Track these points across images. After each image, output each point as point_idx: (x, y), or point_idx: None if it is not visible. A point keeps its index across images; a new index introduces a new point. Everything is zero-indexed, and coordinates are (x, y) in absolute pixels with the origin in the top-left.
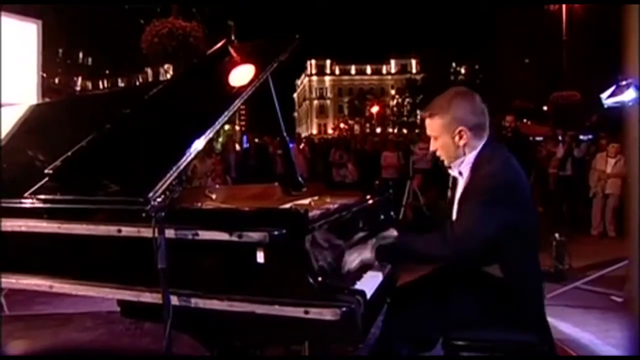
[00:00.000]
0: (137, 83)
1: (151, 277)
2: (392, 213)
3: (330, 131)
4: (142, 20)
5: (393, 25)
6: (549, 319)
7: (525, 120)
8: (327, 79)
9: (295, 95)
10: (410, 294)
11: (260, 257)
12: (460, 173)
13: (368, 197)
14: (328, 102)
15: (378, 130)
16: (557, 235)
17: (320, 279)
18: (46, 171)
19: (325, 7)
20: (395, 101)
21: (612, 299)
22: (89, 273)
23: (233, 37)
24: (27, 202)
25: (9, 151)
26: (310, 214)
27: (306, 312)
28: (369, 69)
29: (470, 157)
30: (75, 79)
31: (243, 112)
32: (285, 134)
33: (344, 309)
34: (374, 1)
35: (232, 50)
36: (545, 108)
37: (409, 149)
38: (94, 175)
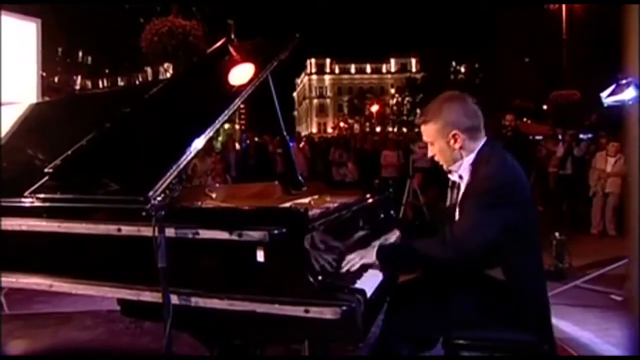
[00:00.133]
0: (137, 82)
1: (151, 276)
2: (392, 212)
3: (330, 130)
4: (141, 19)
5: (393, 24)
6: None
7: (525, 120)
8: (327, 77)
9: (295, 94)
10: (410, 293)
11: (260, 256)
12: (461, 177)
13: (368, 196)
14: (328, 101)
15: (378, 129)
16: (557, 234)
17: (320, 277)
18: (46, 170)
19: (325, 6)
20: (395, 100)
21: (612, 297)
22: (89, 272)
23: (233, 36)
24: (27, 201)
25: (9, 150)
26: (310, 213)
27: (306, 311)
28: (368, 68)
29: (468, 159)
30: (74, 77)
31: (243, 110)
32: (285, 133)
33: (344, 308)
34: (374, 0)
35: (232, 49)
36: (545, 107)
37: (409, 148)
38: (94, 174)
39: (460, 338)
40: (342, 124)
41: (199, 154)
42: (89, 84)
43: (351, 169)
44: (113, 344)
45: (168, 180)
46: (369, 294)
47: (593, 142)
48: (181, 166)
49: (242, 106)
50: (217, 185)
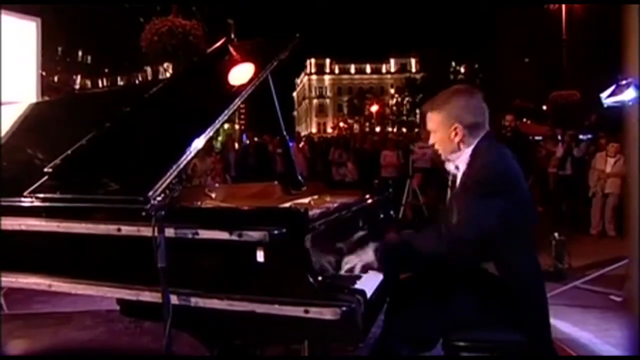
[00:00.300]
0: (137, 81)
1: (151, 276)
2: (391, 212)
3: (329, 130)
4: (141, 19)
5: (393, 25)
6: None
7: (525, 120)
8: (327, 77)
9: (294, 94)
10: (410, 293)
11: (260, 256)
12: (457, 167)
13: (368, 196)
14: (327, 101)
15: (377, 129)
16: (556, 234)
17: (320, 278)
18: (46, 170)
19: (325, 6)
20: (394, 100)
21: (612, 298)
22: (89, 272)
23: (233, 36)
24: (27, 201)
25: (9, 149)
26: (310, 213)
27: (306, 312)
28: (368, 68)
29: (467, 151)
30: (74, 77)
31: (243, 110)
32: (284, 133)
33: (344, 308)
34: (374, 0)
35: (232, 49)
36: (545, 107)
37: (409, 148)
38: (94, 174)
39: (460, 339)
40: (341, 124)
41: (199, 153)
42: (88, 83)
43: (351, 169)
44: (113, 344)
45: (168, 180)
46: (369, 295)
47: (593, 143)
48: (181, 166)
49: (242, 106)
50: (217, 185)
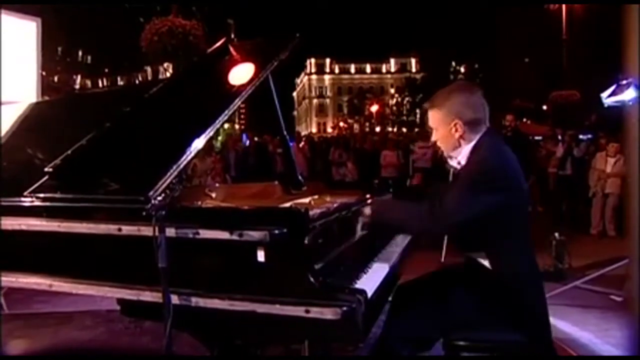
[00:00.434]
0: (137, 81)
1: (151, 276)
2: None
3: (329, 130)
4: (141, 19)
5: (393, 24)
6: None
7: (525, 120)
8: (327, 77)
9: (294, 93)
10: (411, 294)
11: (260, 256)
12: (460, 164)
13: (368, 196)
14: (327, 100)
15: (377, 129)
16: (556, 234)
17: (321, 278)
18: (46, 169)
19: (325, 6)
20: (394, 100)
21: (612, 298)
22: (89, 272)
23: (233, 36)
24: (27, 201)
25: (9, 149)
26: (311, 212)
27: (307, 312)
28: (368, 68)
29: (468, 147)
30: (74, 77)
31: (243, 110)
32: (285, 133)
33: (344, 308)
34: (374, 0)
35: (232, 49)
36: (545, 107)
37: (409, 148)
38: (94, 174)
39: (460, 339)
40: (341, 124)
41: (199, 153)
42: (88, 83)
43: (351, 169)
44: (113, 344)
45: (168, 180)
46: (369, 295)
47: (593, 143)
48: (181, 166)
49: (242, 106)
50: (217, 185)
